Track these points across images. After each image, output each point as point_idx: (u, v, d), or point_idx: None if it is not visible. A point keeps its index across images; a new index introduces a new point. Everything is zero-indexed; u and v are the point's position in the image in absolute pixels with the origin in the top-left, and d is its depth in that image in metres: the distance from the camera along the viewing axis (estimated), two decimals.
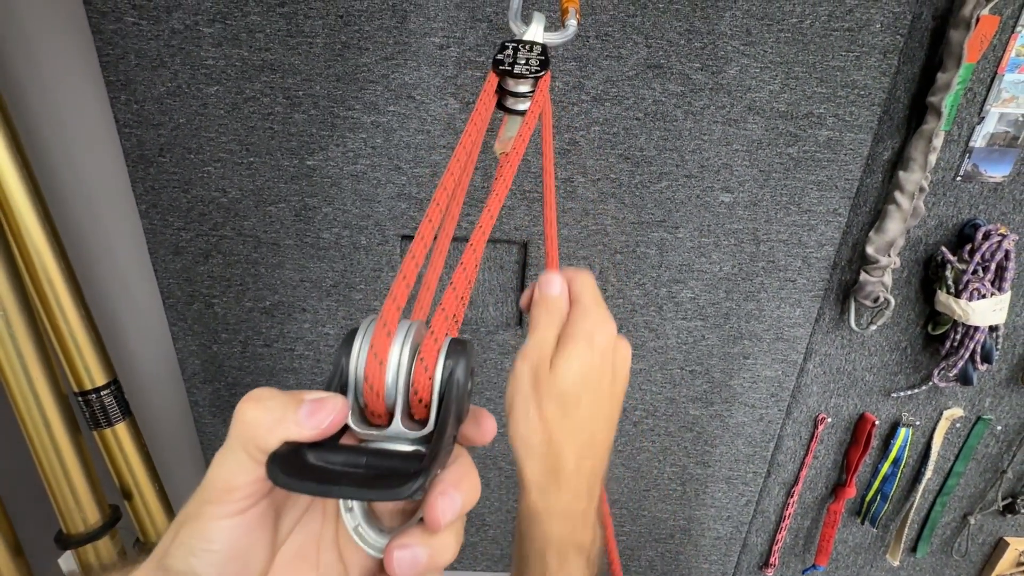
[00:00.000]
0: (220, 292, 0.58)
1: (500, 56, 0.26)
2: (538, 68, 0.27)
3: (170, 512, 0.62)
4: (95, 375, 0.55)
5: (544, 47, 0.27)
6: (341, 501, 0.22)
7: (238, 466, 0.20)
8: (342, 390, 0.21)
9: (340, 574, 0.23)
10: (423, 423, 0.21)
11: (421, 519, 0.22)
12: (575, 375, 0.30)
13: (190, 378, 0.63)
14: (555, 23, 0.30)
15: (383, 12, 0.47)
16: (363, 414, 0.22)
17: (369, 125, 0.51)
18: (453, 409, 0.21)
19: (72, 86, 0.54)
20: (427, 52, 0.49)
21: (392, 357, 0.21)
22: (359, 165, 0.53)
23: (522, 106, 0.27)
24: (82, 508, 0.55)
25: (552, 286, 0.32)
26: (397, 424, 0.21)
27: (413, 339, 0.22)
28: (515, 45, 0.27)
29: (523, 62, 0.27)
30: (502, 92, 0.27)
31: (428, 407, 0.21)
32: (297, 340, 0.61)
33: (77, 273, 0.53)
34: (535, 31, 0.28)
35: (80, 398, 0.55)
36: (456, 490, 0.21)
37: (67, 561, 0.57)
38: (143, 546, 0.62)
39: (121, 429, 0.57)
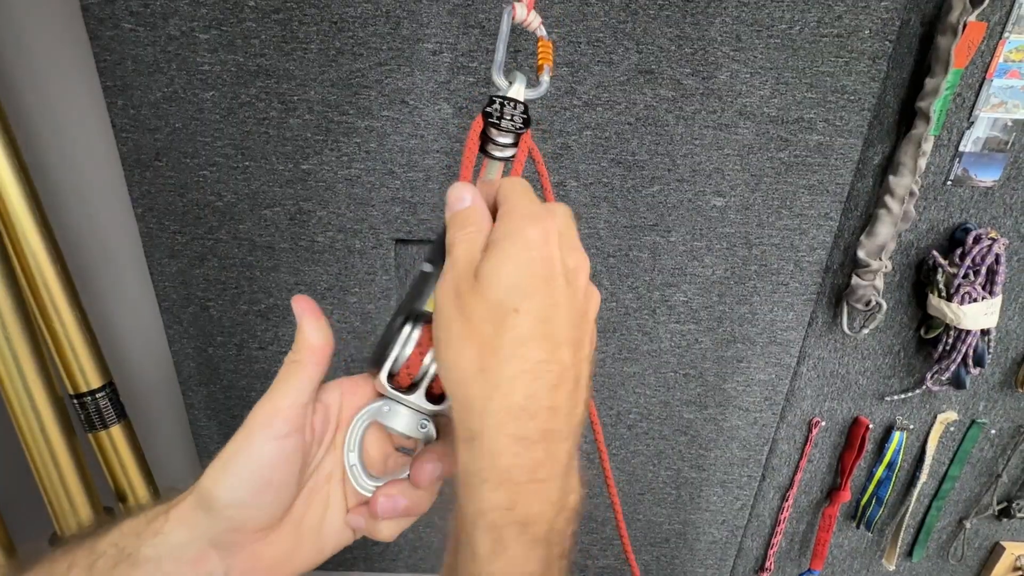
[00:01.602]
0: (215, 295, 0.59)
1: (489, 110, 0.29)
2: (521, 126, 0.30)
3: None
4: (90, 377, 0.55)
5: (526, 107, 0.30)
6: (346, 444, 0.29)
7: (291, 391, 0.27)
8: (384, 351, 0.28)
9: (343, 507, 0.30)
10: (438, 400, 0.29)
11: (407, 476, 0.29)
12: (507, 277, 0.23)
13: (185, 381, 0.63)
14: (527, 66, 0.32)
15: (377, 18, 0.48)
16: (393, 379, 0.28)
17: (363, 129, 0.52)
18: None
19: (69, 91, 0.55)
20: (420, 58, 0.49)
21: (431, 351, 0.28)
22: (353, 169, 0.53)
23: (500, 154, 0.30)
24: (76, 510, 0.55)
25: (460, 200, 0.26)
26: (421, 397, 0.28)
27: None
28: (502, 101, 0.29)
29: (508, 118, 0.29)
30: (484, 138, 0.30)
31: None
32: (292, 343, 0.61)
33: (73, 276, 0.54)
34: (518, 90, 0.30)
35: (75, 400, 0.56)
36: (440, 461, 0.28)
37: None
38: None
39: (116, 431, 0.58)
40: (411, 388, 0.29)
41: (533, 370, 0.23)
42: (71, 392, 0.55)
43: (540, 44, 0.30)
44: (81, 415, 0.56)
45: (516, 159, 0.31)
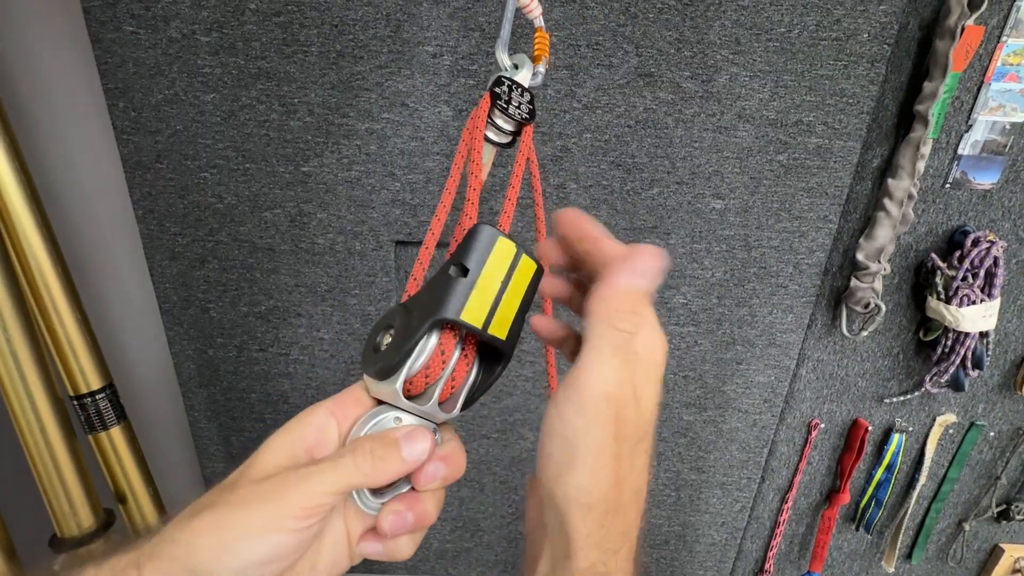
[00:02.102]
0: (216, 297, 0.59)
1: (498, 91, 0.28)
2: (527, 116, 0.28)
3: (164, 516, 0.62)
4: (91, 379, 0.55)
5: (533, 96, 0.29)
6: None
7: (337, 483, 0.24)
8: (399, 358, 0.25)
9: (343, 536, 0.27)
10: (447, 406, 0.27)
11: (409, 488, 0.27)
12: (650, 408, 0.23)
13: (185, 382, 0.63)
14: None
15: (377, 21, 0.48)
16: (403, 386, 0.26)
17: (363, 132, 0.52)
18: (476, 400, 0.28)
19: (71, 93, 0.55)
20: (421, 60, 0.50)
21: (452, 356, 0.26)
22: (353, 171, 0.54)
23: (497, 139, 0.29)
24: (76, 512, 0.55)
25: (645, 275, 0.23)
26: (434, 406, 0.26)
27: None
28: (510, 83, 0.28)
29: (516, 104, 0.28)
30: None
31: (458, 393, 0.27)
32: (292, 345, 0.61)
33: (74, 277, 0.54)
34: (524, 76, 0.29)
35: (76, 402, 0.56)
36: (443, 462, 0.27)
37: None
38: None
39: (116, 433, 0.58)
40: (421, 396, 0.27)
41: (638, 509, 0.24)
42: (71, 393, 0.56)
43: (537, 35, 0.30)
44: (81, 416, 0.56)
45: (518, 152, 0.29)
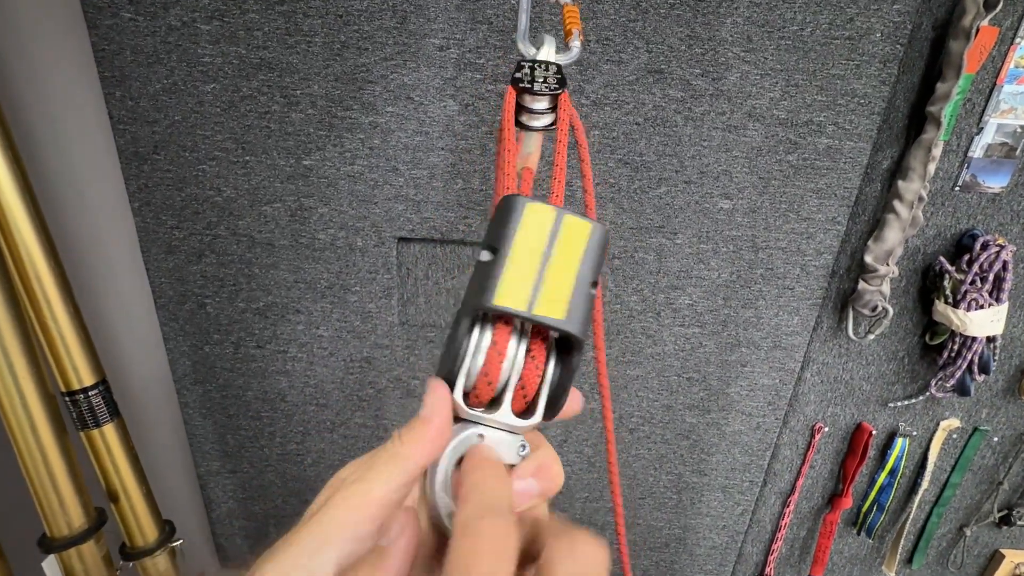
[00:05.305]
0: (213, 292, 0.58)
1: (518, 75, 0.27)
2: (556, 86, 0.27)
3: (157, 515, 0.61)
4: (83, 375, 0.54)
5: (559, 67, 0.28)
6: (437, 486, 0.24)
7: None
8: (453, 366, 0.23)
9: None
10: (526, 413, 0.24)
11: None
12: None
13: (180, 379, 0.62)
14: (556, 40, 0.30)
15: (383, 12, 0.47)
16: (469, 397, 0.23)
17: (367, 126, 0.51)
18: (560, 401, 0.24)
19: (66, 81, 0.53)
20: (426, 53, 0.48)
21: (510, 350, 0.23)
22: (356, 166, 0.52)
23: (537, 123, 0.28)
24: (67, 511, 0.54)
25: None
26: (508, 413, 0.23)
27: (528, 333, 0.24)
28: (531, 64, 0.27)
29: (541, 80, 0.27)
30: (519, 109, 0.27)
31: (536, 397, 0.24)
32: (290, 342, 0.60)
33: (67, 271, 0.52)
34: (547, 52, 0.28)
35: (67, 398, 0.54)
36: (534, 477, 0.23)
37: (51, 565, 0.56)
38: (129, 551, 0.61)
39: (109, 430, 0.56)
40: (493, 404, 0.24)
41: None
42: (63, 389, 0.54)
43: (566, 10, 0.29)
44: (73, 413, 0.55)
45: (558, 128, 0.27)
